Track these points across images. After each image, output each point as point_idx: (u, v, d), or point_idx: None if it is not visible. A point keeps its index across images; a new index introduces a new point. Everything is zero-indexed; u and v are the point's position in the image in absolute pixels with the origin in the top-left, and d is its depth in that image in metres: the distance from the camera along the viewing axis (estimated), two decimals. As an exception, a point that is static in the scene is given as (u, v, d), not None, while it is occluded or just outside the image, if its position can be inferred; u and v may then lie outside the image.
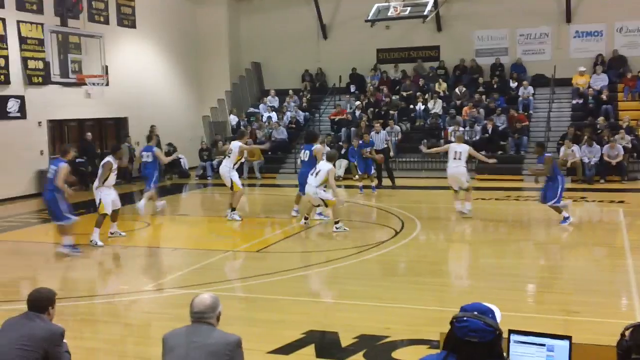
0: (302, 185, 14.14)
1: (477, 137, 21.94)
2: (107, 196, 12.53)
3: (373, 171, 19.18)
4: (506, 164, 21.62)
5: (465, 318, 3.09)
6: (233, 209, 14.66)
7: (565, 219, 13.31)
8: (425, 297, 8.83)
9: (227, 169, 14.71)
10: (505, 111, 23.47)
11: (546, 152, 14.23)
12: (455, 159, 14.53)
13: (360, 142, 19.67)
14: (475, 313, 3.11)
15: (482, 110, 23.73)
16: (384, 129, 21.32)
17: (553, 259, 11.47)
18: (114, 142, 21.97)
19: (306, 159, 14.44)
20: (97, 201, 12.53)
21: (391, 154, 21.04)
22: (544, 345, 3.48)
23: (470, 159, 15.24)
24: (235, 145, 14.84)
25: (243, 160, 15.97)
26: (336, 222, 13.23)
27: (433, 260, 11.29)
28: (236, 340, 4.24)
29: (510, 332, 3.50)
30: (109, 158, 12.67)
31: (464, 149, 14.62)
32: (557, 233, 13.25)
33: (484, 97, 24.45)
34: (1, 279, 9.85)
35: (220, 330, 4.33)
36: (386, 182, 19.99)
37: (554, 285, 9.54)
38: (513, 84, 24.95)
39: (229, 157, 14.76)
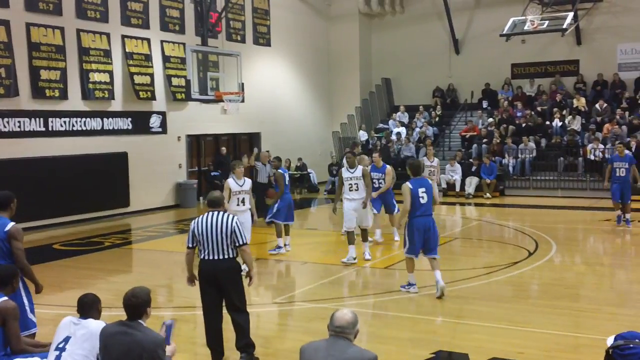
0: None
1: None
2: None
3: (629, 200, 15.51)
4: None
5: (631, 345, 2.97)
6: None
7: None
8: (561, 322, 8.44)
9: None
10: (650, 128, 22.21)
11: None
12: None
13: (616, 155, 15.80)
14: (637, 341, 2.99)
15: (624, 127, 22.56)
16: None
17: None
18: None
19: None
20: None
21: None
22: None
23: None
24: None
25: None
26: None
27: (570, 283, 10.79)
28: (372, 358, 4.24)
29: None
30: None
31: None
32: None
33: (626, 113, 23.25)
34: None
35: (357, 346, 4.35)
36: None
37: None
38: (659, 100, 23.58)
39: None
